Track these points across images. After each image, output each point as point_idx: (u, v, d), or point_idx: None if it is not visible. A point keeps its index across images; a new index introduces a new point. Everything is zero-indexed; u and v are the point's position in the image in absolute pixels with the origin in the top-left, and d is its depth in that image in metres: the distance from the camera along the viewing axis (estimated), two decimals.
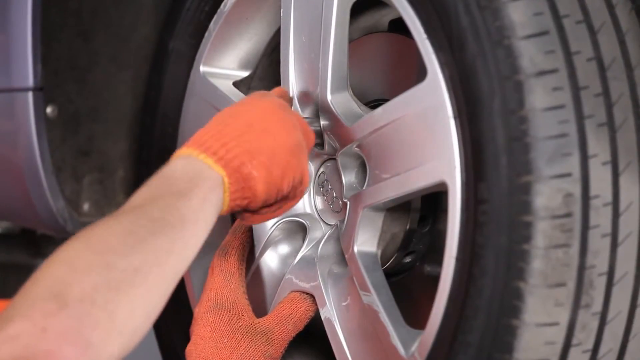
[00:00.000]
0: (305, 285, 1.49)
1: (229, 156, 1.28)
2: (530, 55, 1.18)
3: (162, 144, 1.76)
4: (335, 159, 1.48)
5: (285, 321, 1.48)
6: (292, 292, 1.51)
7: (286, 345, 1.49)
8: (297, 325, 1.49)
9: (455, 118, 1.24)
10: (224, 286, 1.49)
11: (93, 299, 1.08)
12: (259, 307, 1.56)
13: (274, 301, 1.54)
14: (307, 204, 1.56)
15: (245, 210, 1.33)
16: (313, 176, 1.55)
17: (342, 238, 1.45)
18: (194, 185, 1.25)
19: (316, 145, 1.50)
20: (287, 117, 1.35)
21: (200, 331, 1.47)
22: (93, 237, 1.16)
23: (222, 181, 1.27)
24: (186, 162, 1.27)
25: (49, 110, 1.80)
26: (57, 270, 1.11)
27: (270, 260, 1.57)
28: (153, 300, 1.15)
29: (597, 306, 1.21)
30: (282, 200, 1.35)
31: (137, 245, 1.15)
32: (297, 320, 1.49)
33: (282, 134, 1.32)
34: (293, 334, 1.49)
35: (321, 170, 1.53)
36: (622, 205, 1.21)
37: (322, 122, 1.47)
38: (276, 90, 1.49)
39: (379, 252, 1.43)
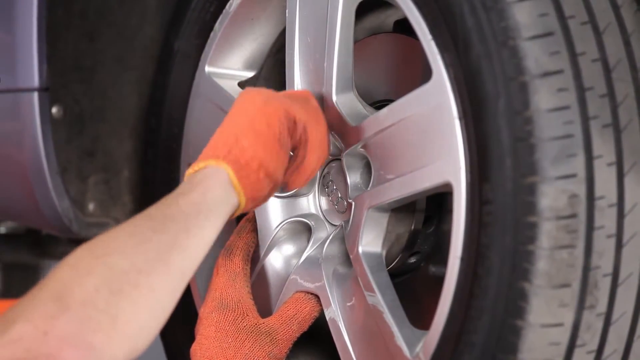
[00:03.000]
0: (310, 286, 1.49)
1: (225, 151, 1.29)
2: (536, 56, 1.18)
3: (167, 144, 1.76)
4: (340, 159, 1.48)
5: (289, 321, 1.48)
6: (296, 292, 1.51)
7: (290, 346, 1.49)
8: (301, 325, 1.49)
9: (460, 119, 1.24)
10: (228, 286, 1.50)
11: (95, 302, 1.08)
12: (264, 307, 1.56)
13: (278, 301, 1.54)
14: (312, 204, 1.56)
15: (267, 176, 1.33)
16: (318, 177, 1.55)
17: (347, 238, 1.45)
18: (196, 184, 1.26)
19: None
20: (264, 95, 1.35)
21: (204, 331, 1.47)
22: (97, 242, 1.17)
23: (227, 174, 1.27)
24: (193, 172, 1.29)
25: (54, 110, 1.80)
26: (60, 274, 1.12)
27: (275, 260, 1.57)
28: (159, 299, 1.14)
29: (602, 307, 1.21)
30: (299, 149, 1.37)
31: (139, 245, 1.16)
32: (302, 321, 1.49)
33: (260, 111, 1.33)
34: (297, 334, 1.49)
35: (326, 170, 1.53)
36: (627, 206, 1.20)
37: (327, 123, 1.47)
38: None
39: (384, 253, 1.43)
